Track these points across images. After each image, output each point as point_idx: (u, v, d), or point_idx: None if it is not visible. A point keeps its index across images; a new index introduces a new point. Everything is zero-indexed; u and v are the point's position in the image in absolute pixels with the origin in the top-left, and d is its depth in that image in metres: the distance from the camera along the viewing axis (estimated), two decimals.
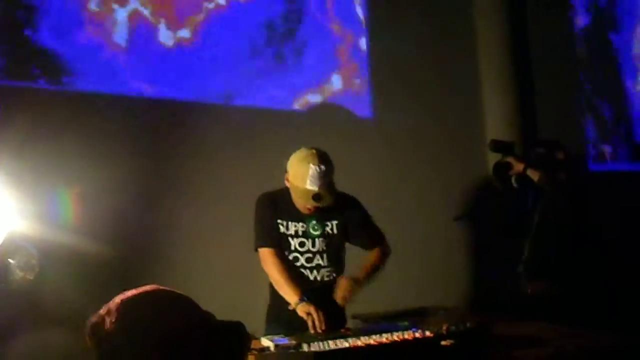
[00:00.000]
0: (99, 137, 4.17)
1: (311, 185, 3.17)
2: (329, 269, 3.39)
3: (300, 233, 3.35)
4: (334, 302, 3.27)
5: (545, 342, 2.84)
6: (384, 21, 5.45)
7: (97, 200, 4.03)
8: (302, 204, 3.27)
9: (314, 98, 5.09)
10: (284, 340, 2.76)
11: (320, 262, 3.38)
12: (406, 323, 3.00)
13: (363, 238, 3.48)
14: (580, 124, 6.55)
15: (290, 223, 3.35)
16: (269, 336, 2.90)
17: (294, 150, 4.19)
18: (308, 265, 3.36)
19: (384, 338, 2.62)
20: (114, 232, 4.07)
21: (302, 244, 3.36)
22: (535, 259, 4.15)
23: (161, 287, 1.60)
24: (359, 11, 5.39)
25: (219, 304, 3.19)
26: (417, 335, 2.65)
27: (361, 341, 2.58)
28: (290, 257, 3.35)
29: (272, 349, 2.66)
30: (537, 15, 6.03)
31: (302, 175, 3.19)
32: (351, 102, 5.27)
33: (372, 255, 3.47)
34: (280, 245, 3.34)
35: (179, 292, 1.59)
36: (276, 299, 3.33)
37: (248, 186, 3.92)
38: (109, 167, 4.11)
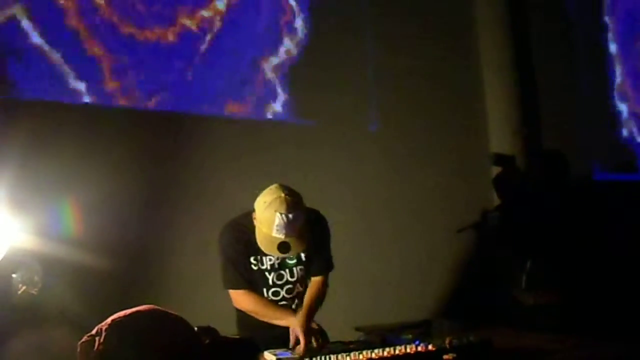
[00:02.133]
0: (99, 149, 4.18)
1: (277, 234, 2.90)
2: (293, 300, 3.23)
3: (276, 266, 3.14)
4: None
5: (547, 355, 2.83)
6: (386, 31, 5.46)
7: (98, 212, 4.03)
8: (270, 252, 3.00)
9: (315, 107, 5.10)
10: (287, 354, 2.75)
11: (301, 289, 3.22)
12: (409, 336, 2.99)
13: (321, 262, 3.24)
14: (585, 132, 6.53)
15: (264, 258, 3.11)
16: (271, 350, 2.89)
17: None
18: (289, 296, 3.20)
19: (387, 352, 2.61)
20: (116, 243, 4.07)
21: (280, 277, 3.16)
22: (538, 270, 4.15)
23: (156, 308, 1.60)
24: None
25: (221, 312, 3.22)
26: (420, 349, 2.64)
27: (363, 355, 2.57)
28: (270, 292, 3.16)
29: None
30: (539, 23, 6.04)
31: (268, 222, 2.90)
32: (352, 113, 5.28)
33: (314, 289, 3.19)
34: (251, 283, 3.11)
35: (173, 313, 1.60)
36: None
37: (250, 195, 3.92)
38: (109, 179, 4.11)
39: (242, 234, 3.09)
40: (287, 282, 3.17)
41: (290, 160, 4.72)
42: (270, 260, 3.11)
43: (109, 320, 1.53)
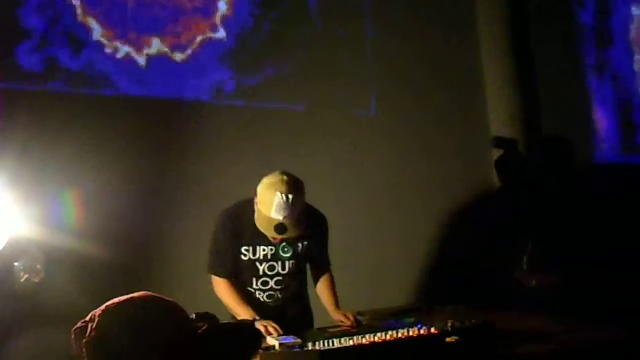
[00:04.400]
0: (101, 139, 4.18)
1: (276, 215, 2.97)
2: (296, 289, 3.33)
3: (269, 257, 3.20)
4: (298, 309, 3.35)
5: (549, 338, 2.84)
6: (386, 18, 5.44)
7: (100, 202, 4.04)
8: (266, 232, 3.07)
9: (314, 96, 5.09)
10: (290, 339, 2.76)
11: (292, 283, 3.29)
12: (412, 320, 3.00)
13: (321, 260, 3.37)
14: (585, 117, 6.53)
15: (258, 247, 3.17)
16: (274, 335, 2.90)
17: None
18: (277, 287, 3.25)
19: (389, 335, 2.62)
20: (118, 233, 4.08)
21: (271, 268, 3.22)
22: (539, 253, 4.16)
23: (151, 294, 1.60)
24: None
25: (222, 302, 3.23)
26: (423, 332, 2.64)
27: (366, 339, 2.58)
28: (260, 282, 3.22)
29: (277, 347, 2.66)
30: (539, 9, 6.02)
31: (268, 203, 2.96)
32: (352, 98, 5.27)
33: (328, 282, 3.37)
34: (238, 273, 3.19)
35: (168, 299, 1.59)
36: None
37: (252, 185, 3.91)
38: (111, 169, 4.12)
39: (236, 223, 3.17)
40: (278, 274, 3.24)
41: (289, 146, 4.72)
42: (264, 250, 3.18)
43: (103, 306, 1.53)
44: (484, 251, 5.16)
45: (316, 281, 3.40)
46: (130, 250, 4.12)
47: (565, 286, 4.05)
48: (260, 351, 2.57)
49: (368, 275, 4.77)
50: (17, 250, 3.19)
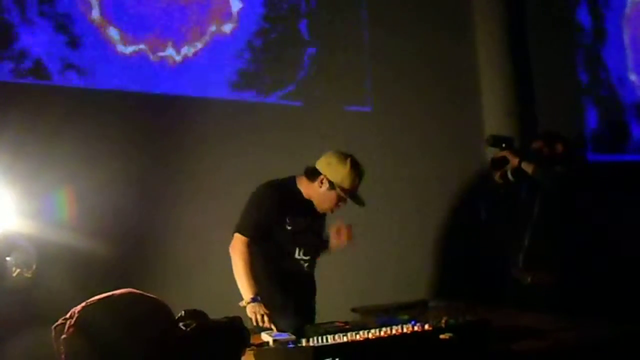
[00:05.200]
0: (95, 134, 4.16)
1: (353, 184, 3.29)
2: (315, 261, 3.50)
3: (307, 228, 3.41)
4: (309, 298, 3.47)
5: (545, 334, 2.84)
6: (383, 13, 5.43)
7: (94, 197, 4.02)
8: (332, 204, 3.35)
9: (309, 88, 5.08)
10: (283, 335, 2.75)
11: (317, 255, 3.48)
12: (405, 317, 3.00)
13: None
14: (579, 113, 6.54)
15: (297, 219, 3.37)
16: (268, 331, 2.89)
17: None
18: (306, 257, 3.41)
19: (383, 332, 2.61)
20: (111, 229, 4.07)
21: (307, 238, 3.41)
22: (535, 249, 4.16)
23: (132, 291, 1.57)
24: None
25: (219, 299, 3.22)
26: (416, 329, 2.63)
27: (360, 335, 2.57)
28: (302, 252, 3.39)
29: (271, 343, 2.66)
30: (534, 4, 6.01)
31: (349, 178, 3.28)
32: (349, 95, 5.26)
33: None
34: (256, 240, 3.32)
35: (150, 295, 1.56)
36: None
37: (247, 181, 3.89)
38: (106, 164, 4.10)
39: (284, 194, 3.37)
40: (314, 244, 3.45)
41: (285, 141, 4.71)
42: (303, 222, 3.39)
43: (83, 303, 1.51)
44: (479, 248, 5.16)
45: None
46: (124, 245, 4.11)
47: (561, 283, 4.05)
48: (254, 347, 2.57)
49: (362, 271, 4.77)
50: (9, 244, 3.17)
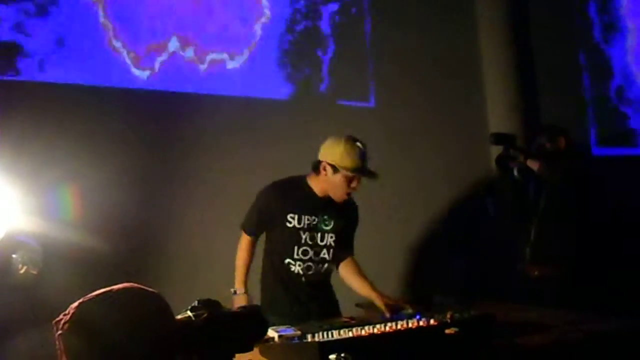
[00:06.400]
0: (98, 131, 4.17)
1: (359, 162, 3.21)
2: (330, 264, 3.45)
3: (311, 226, 3.36)
4: (328, 295, 3.49)
5: (549, 329, 2.83)
6: (386, 9, 5.42)
7: (98, 194, 4.03)
8: (343, 187, 3.27)
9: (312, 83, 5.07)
10: (289, 331, 2.75)
11: (326, 256, 3.42)
12: (410, 311, 3.00)
13: (348, 242, 3.52)
14: (583, 107, 6.52)
15: (303, 216, 3.34)
16: (273, 327, 2.89)
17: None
18: (316, 258, 3.39)
19: (389, 327, 2.61)
20: (116, 225, 4.07)
21: (312, 238, 3.37)
22: (541, 244, 4.16)
23: (131, 285, 1.55)
24: None
25: (221, 294, 3.21)
26: (422, 323, 2.63)
27: (366, 330, 2.57)
28: (300, 251, 3.36)
29: (276, 339, 2.65)
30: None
31: (347, 155, 3.20)
32: (351, 89, 5.25)
33: (357, 266, 3.53)
34: (256, 236, 3.45)
35: (151, 291, 1.55)
36: (269, 291, 3.44)
37: (248, 177, 3.90)
38: (109, 161, 4.10)
39: (287, 191, 3.37)
40: (316, 245, 3.37)
41: (287, 136, 4.70)
42: (308, 220, 3.34)
43: (81, 299, 1.50)
44: (485, 242, 5.15)
45: (339, 263, 3.51)
46: (127, 242, 4.11)
47: (567, 277, 4.04)
48: (259, 344, 2.57)
49: (367, 266, 4.75)
50: (15, 242, 3.18)
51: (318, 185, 3.34)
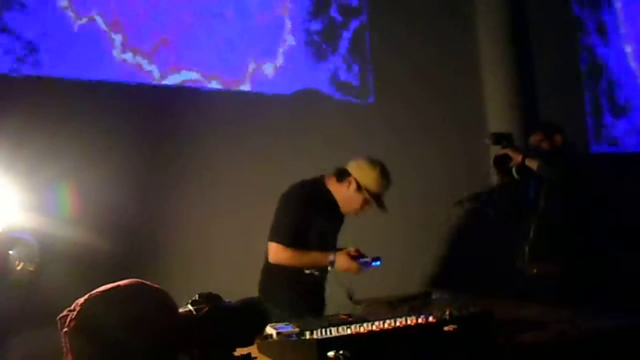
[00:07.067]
0: (96, 128, 4.16)
1: (383, 193, 3.43)
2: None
3: (326, 228, 3.50)
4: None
5: (548, 326, 2.83)
6: (384, 4, 5.41)
7: (96, 191, 4.02)
8: (357, 206, 3.44)
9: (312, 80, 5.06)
10: (287, 328, 2.74)
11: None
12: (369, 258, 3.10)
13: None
14: (581, 105, 6.53)
15: (329, 224, 3.51)
16: (271, 323, 2.88)
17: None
18: None
19: (387, 324, 2.60)
20: (113, 222, 4.07)
21: (333, 244, 3.53)
22: (540, 241, 4.16)
23: (137, 281, 1.55)
24: None
25: (220, 290, 3.20)
26: (421, 320, 2.62)
27: (364, 327, 2.56)
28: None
29: (274, 336, 2.64)
30: None
31: (377, 182, 3.42)
32: (352, 86, 5.25)
33: None
34: (309, 242, 3.44)
35: (154, 285, 1.54)
36: (271, 280, 3.47)
37: (245, 173, 3.90)
38: (107, 157, 4.09)
39: (315, 193, 3.47)
40: (328, 245, 3.51)
41: (286, 132, 4.69)
42: (332, 226, 3.53)
43: (86, 295, 1.49)
44: (484, 239, 5.15)
45: None
46: (126, 239, 4.10)
47: (566, 275, 4.04)
48: (258, 340, 2.56)
49: None
50: (12, 238, 3.17)
51: (337, 192, 3.49)
